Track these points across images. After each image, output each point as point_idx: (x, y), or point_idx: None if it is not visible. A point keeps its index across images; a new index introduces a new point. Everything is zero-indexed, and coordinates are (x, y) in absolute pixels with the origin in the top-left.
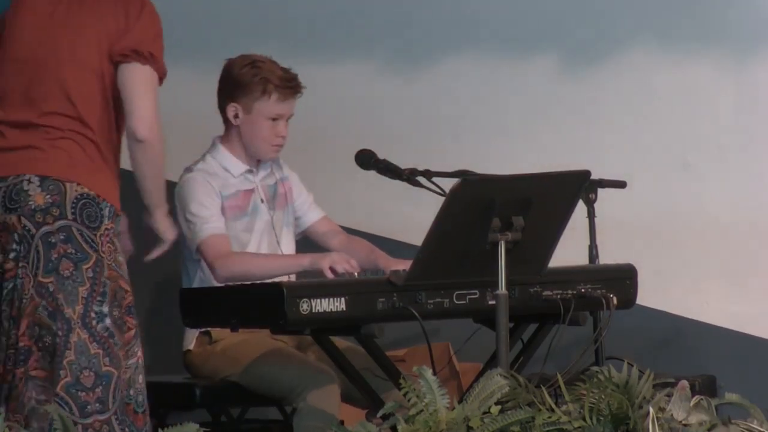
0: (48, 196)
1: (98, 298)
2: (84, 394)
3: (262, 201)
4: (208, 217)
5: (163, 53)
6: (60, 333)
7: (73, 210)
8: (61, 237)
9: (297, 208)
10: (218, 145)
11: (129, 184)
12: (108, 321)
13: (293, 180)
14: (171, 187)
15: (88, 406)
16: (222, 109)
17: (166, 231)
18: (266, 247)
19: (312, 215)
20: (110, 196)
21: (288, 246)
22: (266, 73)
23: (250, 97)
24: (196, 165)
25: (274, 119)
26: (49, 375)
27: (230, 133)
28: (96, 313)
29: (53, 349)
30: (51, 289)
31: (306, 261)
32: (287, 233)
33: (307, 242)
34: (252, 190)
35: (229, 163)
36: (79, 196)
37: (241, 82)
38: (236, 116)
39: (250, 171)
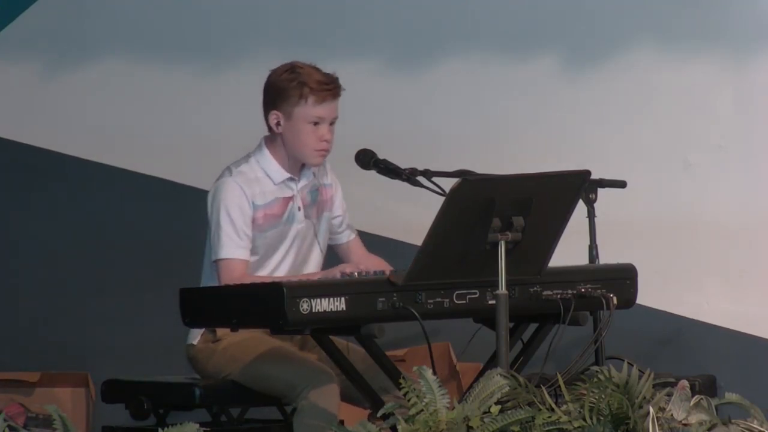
0: None
1: None
2: None
3: (299, 209)
4: (232, 236)
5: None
6: None
7: None
8: None
9: (335, 224)
10: (264, 148)
11: (129, 183)
12: None
13: (336, 189)
14: (170, 187)
15: None
16: (266, 119)
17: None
18: (293, 254)
19: (344, 236)
20: None
21: (319, 252)
22: (304, 77)
23: (288, 103)
24: (239, 167)
25: (315, 123)
26: None
27: (276, 138)
28: None
29: None
30: None
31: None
32: (320, 239)
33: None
34: (291, 198)
35: (271, 169)
36: None
37: (280, 88)
38: (278, 124)
39: (291, 179)
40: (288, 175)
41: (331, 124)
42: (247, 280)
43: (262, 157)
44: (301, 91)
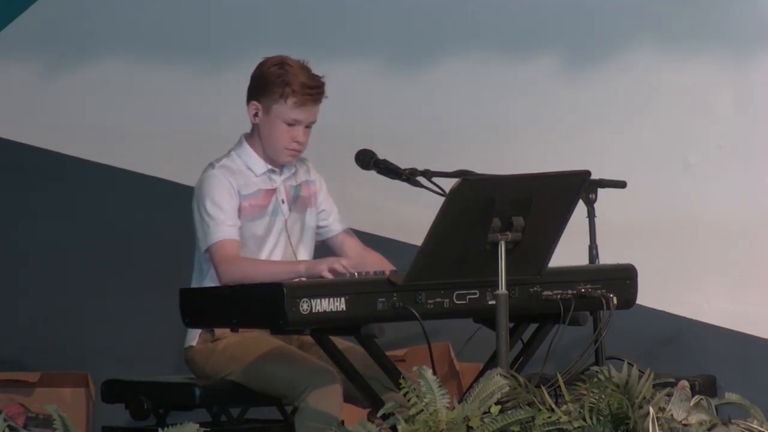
0: None
1: None
2: None
3: (283, 201)
4: (223, 220)
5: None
6: None
7: None
8: None
9: (321, 218)
10: (244, 142)
11: (129, 183)
12: None
13: (320, 186)
14: (170, 187)
15: None
16: (247, 106)
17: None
18: (282, 247)
19: (335, 227)
20: None
21: (306, 248)
22: (289, 77)
23: (270, 98)
24: (220, 161)
25: (291, 124)
26: None
27: (254, 131)
28: None
29: None
30: None
31: (302, 267)
32: (306, 236)
33: (323, 246)
34: (273, 190)
35: (252, 162)
36: None
37: (265, 81)
38: (256, 115)
39: (272, 171)
40: (269, 166)
41: (308, 126)
42: (245, 263)
43: (243, 151)
44: (283, 90)
